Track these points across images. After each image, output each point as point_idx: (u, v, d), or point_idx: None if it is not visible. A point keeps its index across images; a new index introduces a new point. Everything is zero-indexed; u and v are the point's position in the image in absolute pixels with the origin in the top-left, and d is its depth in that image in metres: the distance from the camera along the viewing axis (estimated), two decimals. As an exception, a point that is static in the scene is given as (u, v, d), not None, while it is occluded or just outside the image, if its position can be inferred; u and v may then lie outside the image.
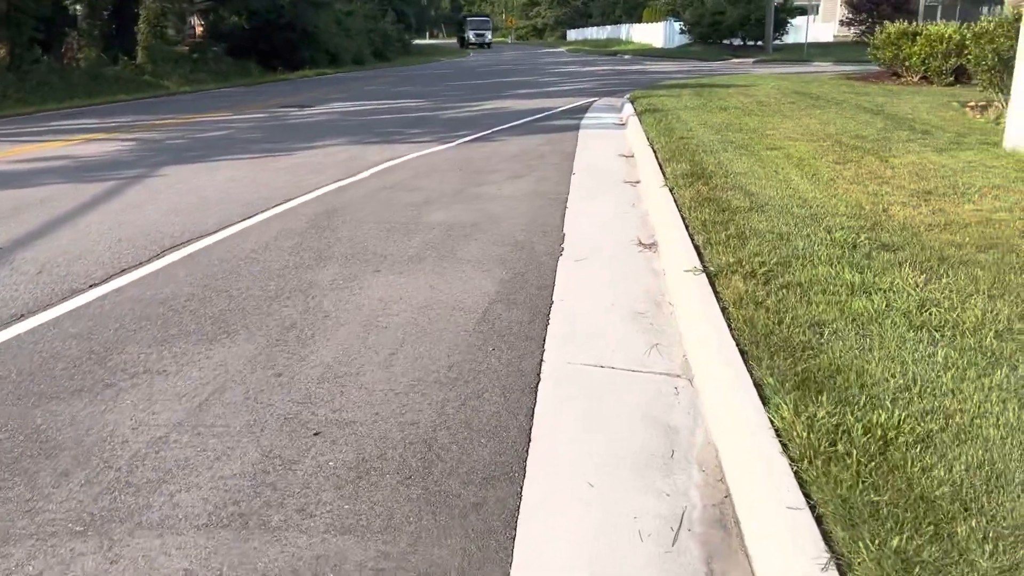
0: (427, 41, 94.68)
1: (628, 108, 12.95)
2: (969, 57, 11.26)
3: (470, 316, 4.03)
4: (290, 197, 6.97)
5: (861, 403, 2.77)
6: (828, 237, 4.85)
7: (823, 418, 2.66)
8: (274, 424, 2.95)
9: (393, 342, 3.71)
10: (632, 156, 9.03)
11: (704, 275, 4.29)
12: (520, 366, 3.43)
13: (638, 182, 7.53)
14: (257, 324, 3.96)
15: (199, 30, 34.68)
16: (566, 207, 6.43)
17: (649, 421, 2.99)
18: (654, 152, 8.43)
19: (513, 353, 3.56)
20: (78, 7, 24.70)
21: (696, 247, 4.83)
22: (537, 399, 3.13)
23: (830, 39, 47.89)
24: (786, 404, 2.78)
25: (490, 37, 70.42)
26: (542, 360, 3.50)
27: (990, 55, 10.25)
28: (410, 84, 22.56)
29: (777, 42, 40.07)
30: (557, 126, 11.69)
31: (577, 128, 11.35)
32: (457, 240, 5.45)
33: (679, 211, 5.74)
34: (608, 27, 70.25)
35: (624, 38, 63.09)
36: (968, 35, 14.13)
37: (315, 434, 2.87)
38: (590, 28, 77.29)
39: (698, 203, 5.85)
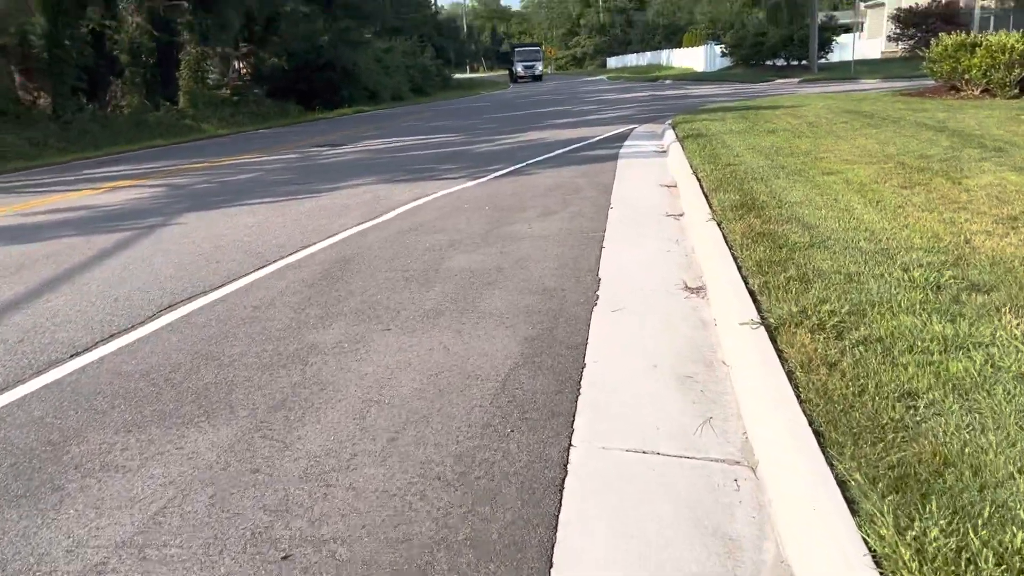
0: (467, 75, 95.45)
1: (669, 134, 12.34)
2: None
3: (487, 386, 3.44)
4: (307, 244, 6.51)
5: (985, 515, 2.11)
6: (906, 277, 4.17)
7: (937, 539, 2.01)
8: (237, 543, 2.39)
9: (395, 423, 3.15)
10: (675, 186, 8.41)
11: (763, 328, 3.65)
12: (544, 453, 2.84)
13: (681, 215, 6.90)
14: (243, 401, 3.44)
15: (244, 72, 35.13)
16: (602, 246, 5.83)
17: (703, 530, 2.36)
18: (698, 181, 7.80)
19: (536, 436, 2.97)
20: (122, 56, 25.05)
21: (751, 292, 4.19)
22: (563, 502, 2.53)
23: (877, 56, 46.73)
24: (883, 515, 2.13)
25: (540, 68, 63.35)
26: (570, 444, 2.90)
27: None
28: (446, 118, 22.29)
29: (822, 61, 39.12)
30: (594, 156, 11.13)
31: (615, 157, 10.77)
32: (480, 289, 4.89)
33: (729, 249, 5.10)
34: (648, 53, 69.90)
35: (665, 63, 62.61)
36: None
37: (284, 558, 2.31)
38: (630, 55, 77.03)
39: (750, 239, 5.20)
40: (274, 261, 5.98)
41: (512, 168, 10.45)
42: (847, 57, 42.11)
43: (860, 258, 4.58)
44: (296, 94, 31.96)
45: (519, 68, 62.56)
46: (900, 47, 42.76)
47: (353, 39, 34.42)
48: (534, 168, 10.36)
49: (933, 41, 15.37)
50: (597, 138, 13.47)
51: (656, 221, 6.69)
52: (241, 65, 34.96)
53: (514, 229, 6.59)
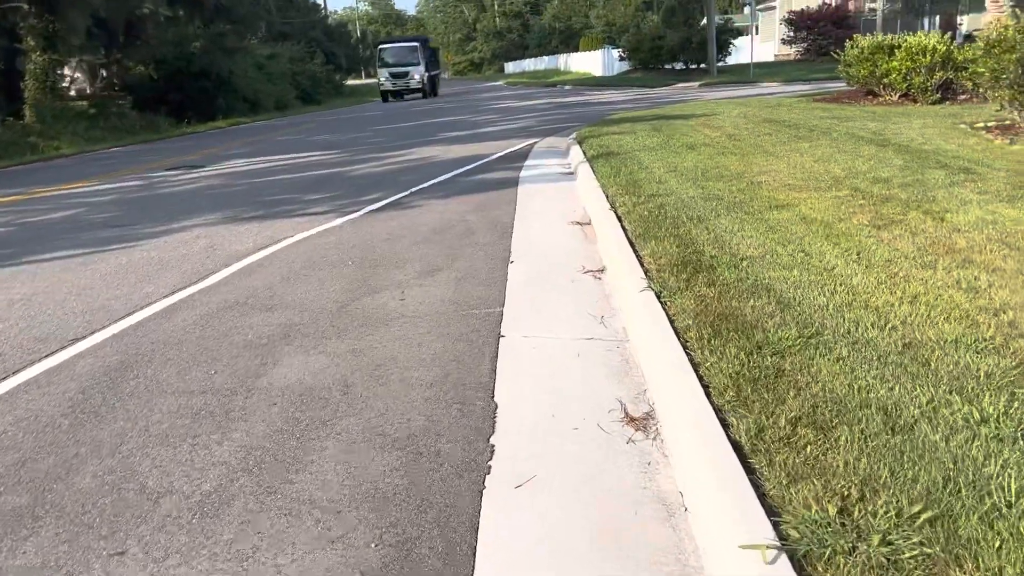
0: (363, 81, 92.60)
1: (576, 151, 10.77)
2: (980, 71, 9.34)
3: None
4: (80, 335, 4.54)
5: None
6: (974, 415, 2.61)
7: None
8: None
9: None
10: (588, 223, 6.79)
11: (784, 557, 1.99)
12: None
13: (603, 271, 5.26)
14: None
15: (109, 82, 31.85)
16: (500, 334, 4.11)
17: None
18: (619, 220, 6.19)
19: None
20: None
21: (740, 452, 2.54)
22: None
23: (771, 58, 47.04)
24: None
25: (420, 75, 39.36)
26: None
27: (1012, 66, 8.30)
28: (329, 131, 20.20)
29: (720, 64, 38.79)
30: (491, 181, 9.43)
31: (516, 182, 9.10)
32: (306, 436, 3.08)
33: (683, 347, 3.45)
34: (546, 58, 69.10)
35: (563, 68, 61.82)
36: (951, 46, 12.36)
37: None
38: (527, 60, 76.13)
39: (710, 327, 3.58)
40: (12, 374, 3.99)
41: (393, 198, 8.63)
42: (743, 60, 42.08)
43: (884, 370, 3.00)
44: (168, 105, 29.13)
45: (385, 77, 39.73)
46: (793, 50, 43.03)
47: (229, 45, 31.75)
48: (419, 198, 8.56)
49: (848, 43, 14.41)
50: (495, 156, 11.78)
51: (570, 283, 5.02)
52: (103, 74, 31.74)
53: (380, 303, 4.79)
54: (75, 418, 3.39)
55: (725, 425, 2.75)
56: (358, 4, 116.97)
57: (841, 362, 3.11)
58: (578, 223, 6.82)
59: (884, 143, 8.98)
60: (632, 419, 3.12)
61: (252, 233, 7.24)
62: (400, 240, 6.52)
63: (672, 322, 3.79)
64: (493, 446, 2.91)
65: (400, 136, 16.72)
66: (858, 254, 4.63)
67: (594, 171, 8.67)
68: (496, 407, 3.23)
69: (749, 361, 3.17)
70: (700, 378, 3.14)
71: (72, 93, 31.01)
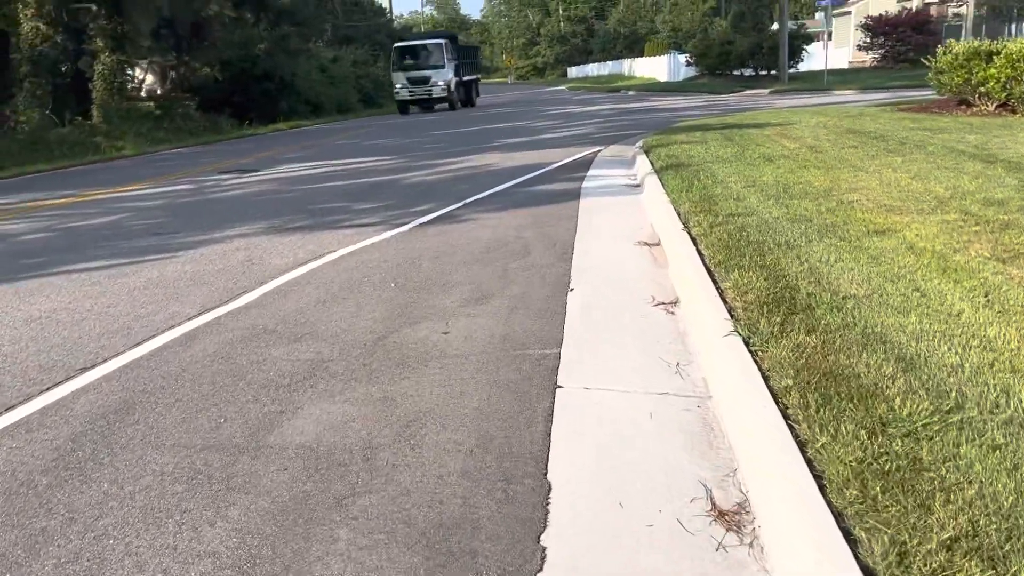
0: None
1: (642, 161, 10.08)
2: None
3: None
4: (89, 364, 4.08)
5: None
6: None
7: None
8: None
9: None
10: (657, 243, 6.11)
11: None
12: None
13: (675, 303, 4.59)
14: None
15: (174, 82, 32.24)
16: (556, 384, 3.48)
17: None
18: (693, 242, 5.51)
19: None
20: (21, 65, 22.25)
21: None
22: None
23: (845, 65, 45.34)
24: None
25: (447, 81, 31.49)
26: None
27: None
28: (388, 135, 19.85)
29: (792, 70, 37.47)
30: (550, 193, 8.81)
31: (577, 195, 8.46)
32: (315, 523, 2.50)
33: (783, 417, 2.78)
34: (609, 63, 68.24)
35: (627, 73, 60.92)
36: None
37: None
38: (591, 64, 75.35)
39: (815, 392, 2.90)
40: (4, 410, 3.53)
41: (446, 210, 8.08)
42: (815, 67, 40.62)
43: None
44: (232, 106, 29.29)
45: (401, 83, 31.72)
46: (870, 56, 41.43)
47: (292, 48, 31.82)
48: (473, 211, 7.99)
49: (940, 49, 13.36)
50: (555, 164, 11.16)
51: (639, 318, 4.36)
52: (172, 75, 32.14)
53: (421, 336, 4.21)
54: (56, 476, 2.89)
55: (850, 538, 2.08)
56: (424, 8, 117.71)
57: (998, 453, 2.40)
58: (646, 243, 6.15)
59: (990, 159, 8.07)
60: (722, 513, 2.46)
61: (295, 246, 6.76)
62: (449, 258, 5.94)
63: (767, 379, 3.11)
64: (544, 549, 2.28)
65: (458, 142, 16.24)
66: (987, 295, 3.87)
67: (663, 184, 7.98)
68: (549, 489, 2.61)
69: (873, 445, 2.48)
70: (809, 463, 2.47)
71: (143, 94, 31.46)
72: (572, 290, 4.94)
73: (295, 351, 4.07)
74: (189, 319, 4.77)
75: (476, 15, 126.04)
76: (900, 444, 2.48)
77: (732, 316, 3.86)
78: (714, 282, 4.49)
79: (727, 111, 19.86)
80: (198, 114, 28.17)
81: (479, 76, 40.09)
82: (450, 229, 7.09)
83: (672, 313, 4.45)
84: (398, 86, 32.09)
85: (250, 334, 4.41)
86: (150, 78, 33.87)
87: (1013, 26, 36.84)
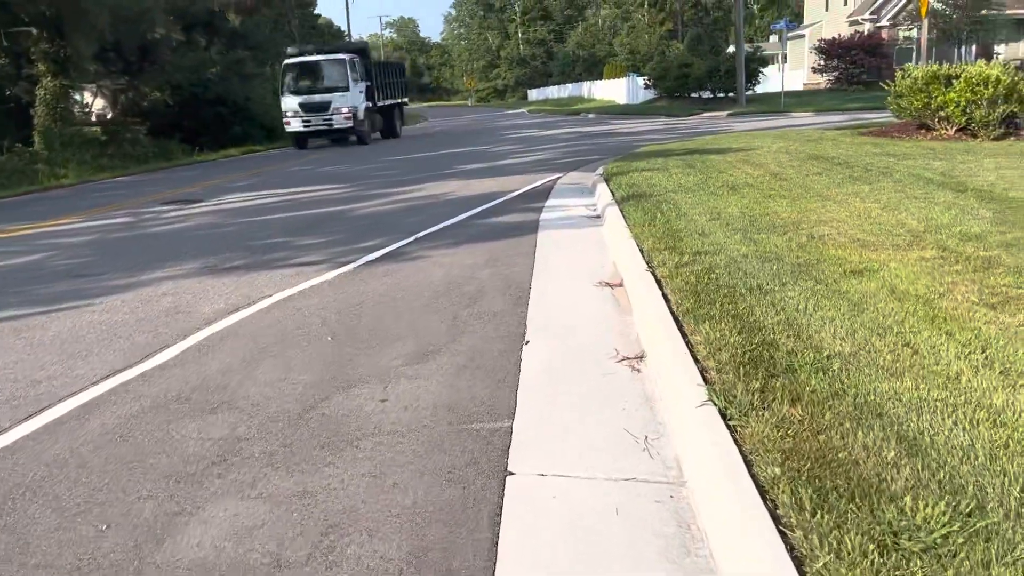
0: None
1: (602, 189, 9.69)
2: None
3: None
4: (-36, 446, 3.48)
5: None
6: None
7: None
8: None
9: None
10: (620, 284, 5.68)
11: None
12: None
13: (642, 358, 4.14)
14: None
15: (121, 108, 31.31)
16: (507, 470, 2.99)
17: None
18: (658, 283, 5.09)
19: None
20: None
21: None
22: None
23: (800, 87, 45.87)
24: None
25: (348, 111, 24.42)
26: None
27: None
28: (341, 161, 19.29)
29: (749, 92, 37.73)
30: (507, 226, 8.35)
31: (535, 228, 8.02)
32: None
33: (774, 521, 2.32)
34: (569, 85, 68.51)
35: (587, 95, 61.14)
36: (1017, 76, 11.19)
37: None
38: (551, 87, 75.60)
39: (810, 487, 2.47)
40: None
41: (395, 246, 7.58)
42: (771, 89, 41.00)
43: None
44: (183, 131, 28.47)
45: (293, 111, 24.80)
46: (824, 78, 41.94)
47: (247, 72, 31.15)
48: (425, 247, 7.50)
49: (898, 72, 13.27)
50: (513, 193, 10.73)
51: (601, 378, 3.90)
52: (121, 99, 31.24)
53: (355, 405, 3.70)
54: None
55: None
56: (383, 31, 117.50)
57: (1039, 579, 1.96)
58: (607, 284, 5.71)
59: (960, 187, 7.81)
60: (705, 656, 1.98)
61: (228, 289, 6.21)
62: (395, 304, 5.44)
63: (749, 465, 2.66)
64: None
65: (414, 168, 15.76)
66: (984, 352, 3.49)
67: (624, 217, 7.58)
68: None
69: (887, 567, 2.03)
70: (810, 589, 2.01)
71: (93, 119, 30.55)
72: (528, 343, 4.47)
73: (208, 427, 3.53)
74: (94, 383, 4.20)
75: (436, 38, 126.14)
76: (919, 564, 2.04)
77: (705, 379, 3.42)
78: (683, 334, 4.05)
79: (687, 135, 19.69)
80: (148, 139, 27.33)
81: (404, 100, 31.40)
82: (398, 269, 6.59)
83: (638, 371, 3.99)
84: (289, 114, 24.42)
85: (160, 403, 3.86)
86: (100, 102, 32.96)
87: (963, 48, 37.55)
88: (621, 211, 7.92)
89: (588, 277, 5.94)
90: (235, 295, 6.00)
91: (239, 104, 29.77)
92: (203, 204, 12.13)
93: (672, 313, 4.44)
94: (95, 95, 33.35)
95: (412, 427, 3.37)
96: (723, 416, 3.05)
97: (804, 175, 9.59)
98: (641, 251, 6.10)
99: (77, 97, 28.64)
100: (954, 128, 12.59)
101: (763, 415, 2.99)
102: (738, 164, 11.09)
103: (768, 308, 4.29)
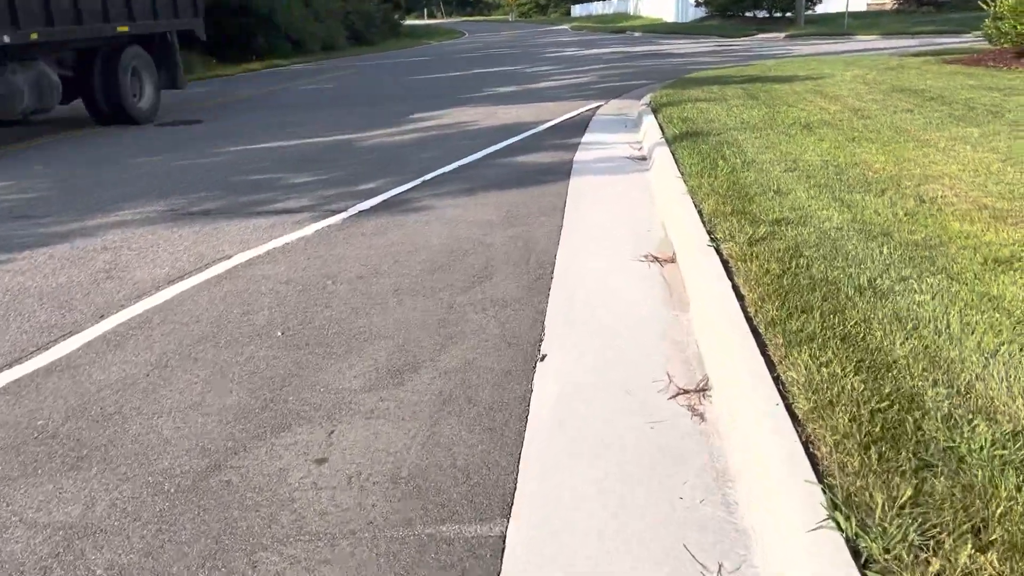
0: (424, 21, 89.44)
1: (650, 123, 8.22)
2: None
3: None
4: None
5: None
6: None
7: None
8: None
9: None
10: (672, 259, 4.36)
11: None
12: None
13: (704, 393, 2.87)
14: None
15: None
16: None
17: None
18: (725, 267, 3.77)
19: None
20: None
21: None
22: None
23: (863, 7, 42.60)
24: None
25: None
26: None
27: None
28: (364, 80, 17.82)
29: (808, 13, 35.00)
30: (534, 168, 6.99)
31: (567, 173, 6.65)
32: None
33: None
34: (614, 1, 65.08)
35: (632, 12, 58.03)
36: None
37: None
38: (595, 3, 72.11)
39: None
40: None
41: (397, 191, 6.29)
42: (831, 8, 38.04)
43: None
44: (204, 42, 26.97)
45: None
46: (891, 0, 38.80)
47: (272, -21, 29.26)
48: (432, 194, 6.20)
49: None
50: (546, 125, 9.30)
51: (646, 437, 2.63)
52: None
53: (278, 467, 2.50)
54: None
55: None
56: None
57: None
58: (655, 258, 4.39)
59: (1104, 136, 6.25)
60: None
61: (182, 244, 5.01)
62: (376, 281, 4.19)
63: None
64: None
65: (439, 91, 14.27)
66: None
67: (677, 162, 6.18)
68: None
69: None
70: None
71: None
72: (543, 358, 3.20)
73: (55, 499, 2.36)
74: (-54, 398, 3.04)
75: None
76: None
77: (815, 464, 2.14)
78: (768, 362, 2.76)
79: (744, 58, 17.81)
80: (168, 51, 25.93)
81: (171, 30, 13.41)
82: (394, 224, 5.31)
83: (701, 415, 2.73)
84: None
85: (14, 442, 2.69)
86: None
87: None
88: (673, 154, 6.51)
89: (631, 246, 4.61)
90: (187, 255, 4.79)
91: (263, 15, 28.09)
92: (201, 127, 10.85)
93: (748, 320, 3.13)
94: None
95: (350, 527, 2.16)
96: (855, 556, 1.79)
97: (892, 112, 8.02)
98: (700, 214, 4.74)
99: None
100: (1066, 58, 10.76)
101: (924, 558, 1.72)
102: (809, 96, 9.48)
103: (893, 325, 2.95)
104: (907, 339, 2.83)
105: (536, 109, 10.68)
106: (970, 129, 6.88)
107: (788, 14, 35.36)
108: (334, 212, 5.70)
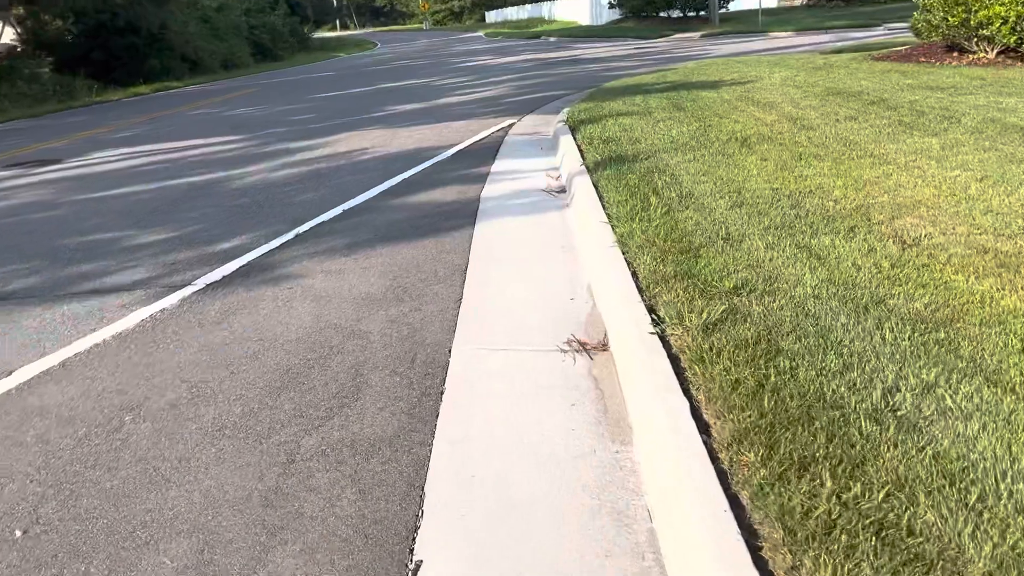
0: (336, 33, 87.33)
1: (567, 144, 7.18)
2: None
3: None
4: None
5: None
6: None
7: None
8: None
9: None
10: (604, 346, 3.29)
11: None
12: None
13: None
14: None
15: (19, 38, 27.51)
16: None
17: None
18: (673, 364, 2.70)
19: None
20: None
21: None
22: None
23: (774, 4, 42.86)
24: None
25: None
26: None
27: None
28: (259, 101, 16.40)
29: (722, 11, 34.84)
30: (431, 210, 5.84)
31: (472, 215, 5.54)
32: None
33: None
34: (528, 6, 64.46)
35: (547, 16, 57.45)
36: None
37: None
38: (509, 8, 71.35)
39: None
40: None
41: (262, 251, 5.07)
42: (744, 6, 38.06)
43: None
44: (92, 65, 25.07)
45: None
46: (801, -5, 39.03)
47: (158, -4, 27.45)
48: (303, 253, 5.00)
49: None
50: (450, 151, 8.16)
51: None
52: (19, 30, 27.47)
53: None
54: None
55: None
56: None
57: None
58: (582, 345, 3.31)
59: (1082, 144, 5.45)
60: None
61: (-52, 357, 3.69)
62: (192, 418, 2.98)
63: None
64: None
65: (337, 111, 12.99)
66: None
67: (601, 199, 5.12)
68: None
69: None
70: None
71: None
72: (417, 570, 2.05)
73: None
74: None
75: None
76: None
77: None
78: (753, 553, 1.68)
79: (662, 61, 17.03)
80: (53, 75, 23.94)
81: None
82: (243, 306, 4.10)
83: None
84: None
85: None
86: (9, 33, 29.06)
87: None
88: (596, 185, 5.46)
89: (550, 326, 3.52)
90: (-51, 375, 3.48)
91: (154, 33, 26.26)
92: (56, 167, 9.38)
93: (724, 485, 2.05)
94: (3, 25, 29.49)
95: None
96: None
97: (834, 121, 7.16)
98: (635, 276, 3.67)
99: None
100: (995, 50, 10.18)
101: None
102: (740, 104, 8.60)
103: (946, 494, 1.91)
104: (974, 524, 1.79)
105: (442, 130, 9.54)
106: (928, 140, 6.03)
107: (702, 13, 35.13)
108: (173, 288, 4.45)
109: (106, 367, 3.45)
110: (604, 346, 3.35)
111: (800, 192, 4.84)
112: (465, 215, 5.51)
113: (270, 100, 16.27)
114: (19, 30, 26.91)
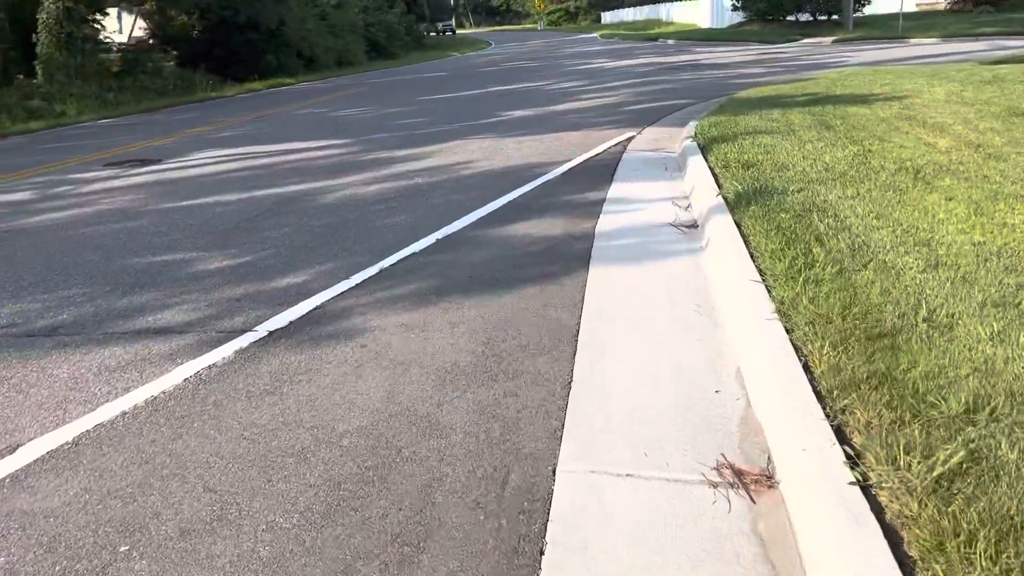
0: (449, 33, 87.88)
1: (699, 170, 6.17)
2: None
3: None
4: None
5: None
6: None
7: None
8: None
9: None
10: (766, 479, 2.31)
11: None
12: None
13: None
14: None
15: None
16: None
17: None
18: (892, 551, 1.69)
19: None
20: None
21: None
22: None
23: (912, 7, 39.97)
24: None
25: None
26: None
27: None
28: (367, 101, 15.97)
29: (856, 15, 32.57)
30: (536, 247, 4.97)
31: (585, 257, 4.63)
32: None
33: None
34: (646, 7, 62.89)
35: (664, 18, 55.83)
36: None
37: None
38: (626, 9, 69.88)
39: None
40: None
41: (332, 294, 4.32)
42: (878, 10, 35.54)
43: None
44: (213, 61, 25.54)
45: None
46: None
47: (276, -7, 27.69)
48: (379, 299, 4.22)
49: None
50: (560, 169, 7.28)
51: None
52: (145, 25, 28.32)
53: None
54: None
55: None
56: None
57: None
58: (739, 475, 2.37)
59: None
60: None
61: (-45, 418, 3.07)
62: (209, 553, 2.21)
63: None
64: None
65: (444, 115, 12.32)
66: None
67: (748, 246, 4.12)
68: None
69: None
70: None
71: (114, 48, 27.76)
72: None
73: None
74: None
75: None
76: None
77: None
78: None
79: (794, 68, 15.64)
80: (176, 70, 24.48)
81: None
82: (302, 372, 3.33)
83: None
84: None
85: None
86: (140, 27, 30.04)
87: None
88: (738, 225, 4.46)
89: (688, 431, 2.59)
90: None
91: (272, 30, 26.50)
92: (145, 170, 9.03)
93: None
94: (133, 22, 30.62)
95: None
96: None
97: (1030, 149, 5.88)
98: (808, 371, 2.69)
99: (100, 23, 25.72)
100: None
101: None
102: (900, 124, 7.35)
103: None
104: None
105: (553, 142, 8.68)
106: None
107: (834, 16, 32.99)
108: (231, 334, 3.75)
109: (123, 454, 2.74)
110: (768, 478, 2.40)
111: (1012, 249, 3.72)
112: (576, 256, 4.61)
113: (378, 100, 15.82)
114: (148, 24, 27.72)
